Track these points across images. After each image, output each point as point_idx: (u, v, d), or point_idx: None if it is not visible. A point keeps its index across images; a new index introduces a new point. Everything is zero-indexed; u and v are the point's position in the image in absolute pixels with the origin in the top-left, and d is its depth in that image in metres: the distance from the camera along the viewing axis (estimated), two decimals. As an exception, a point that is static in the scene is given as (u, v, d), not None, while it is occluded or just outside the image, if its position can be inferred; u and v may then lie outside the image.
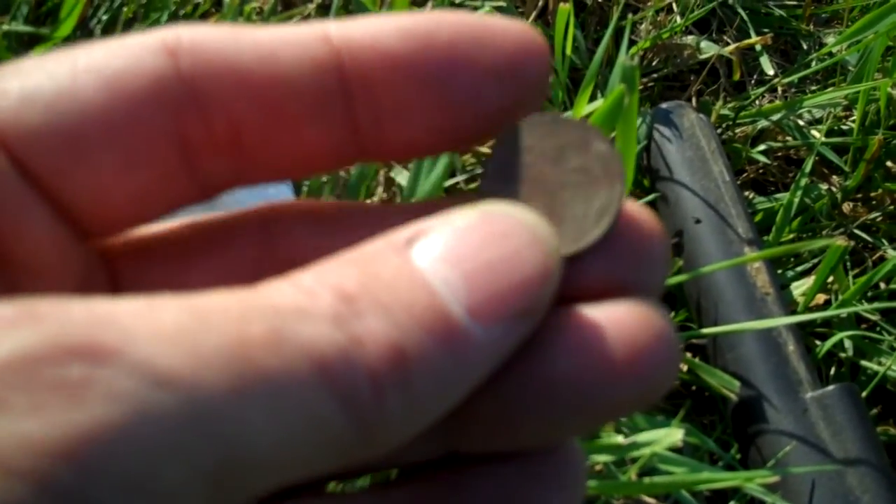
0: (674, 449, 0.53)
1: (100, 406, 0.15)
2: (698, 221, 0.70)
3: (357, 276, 0.20)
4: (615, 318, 0.22)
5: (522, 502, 0.24)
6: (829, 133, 0.82)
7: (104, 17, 0.70)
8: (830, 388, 0.61)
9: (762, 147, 0.82)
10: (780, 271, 0.74)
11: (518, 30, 0.23)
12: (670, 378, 0.22)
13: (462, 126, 0.24)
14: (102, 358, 0.16)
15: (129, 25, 0.71)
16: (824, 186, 0.81)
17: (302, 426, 0.17)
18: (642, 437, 0.51)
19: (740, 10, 0.89)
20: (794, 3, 0.94)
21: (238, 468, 0.17)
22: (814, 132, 0.83)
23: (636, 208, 0.24)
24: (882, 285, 0.75)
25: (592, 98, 0.72)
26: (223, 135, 0.23)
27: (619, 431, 0.55)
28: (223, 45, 0.23)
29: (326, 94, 0.23)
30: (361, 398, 0.18)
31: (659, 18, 0.87)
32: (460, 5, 0.80)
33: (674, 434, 0.51)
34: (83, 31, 0.70)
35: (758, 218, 0.77)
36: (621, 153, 0.59)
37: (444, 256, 0.20)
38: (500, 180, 0.24)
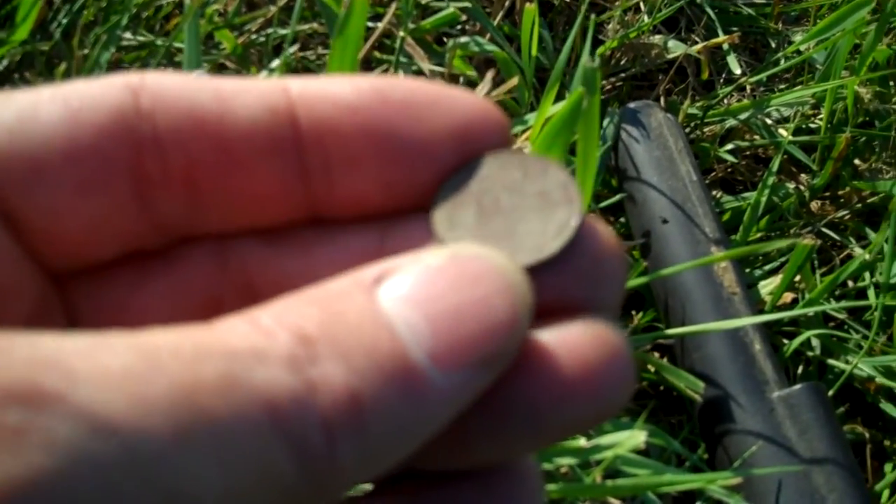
0: (640, 450, 0.52)
1: (36, 454, 0.15)
2: (665, 221, 0.70)
3: (318, 316, 0.19)
4: (569, 339, 0.22)
5: None
6: (796, 131, 0.83)
7: (64, 21, 0.69)
8: (797, 387, 0.61)
9: (730, 146, 0.82)
10: (747, 270, 0.74)
11: (474, 100, 0.24)
12: (624, 396, 0.22)
13: (414, 184, 0.24)
14: (42, 403, 0.15)
15: (89, 29, 0.70)
16: (792, 185, 0.81)
17: (251, 473, 0.17)
18: (606, 439, 0.50)
19: (708, 9, 0.89)
20: (763, 1, 0.94)
21: None
22: (781, 131, 0.83)
23: (595, 225, 0.23)
24: (850, 283, 0.75)
25: (559, 98, 0.72)
26: (178, 173, 0.23)
27: (582, 434, 0.55)
28: (184, 88, 0.23)
29: (279, 141, 0.23)
30: (313, 446, 0.18)
31: (626, 18, 0.87)
32: (425, 7, 0.79)
33: (637, 436, 0.50)
34: (43, 35, 0.70)
35: (725, 217, 0.77)
36: (588, 177, 0.59)
37: (410, 298, 0.20)
38: (455, 205, 0.24)
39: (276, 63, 0.74)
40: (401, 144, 0.23)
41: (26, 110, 0.22)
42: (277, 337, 0.18)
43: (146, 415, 0.16)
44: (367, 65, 0.77)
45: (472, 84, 0.76)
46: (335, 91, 0.23)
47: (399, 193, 0.24)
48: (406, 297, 0.20)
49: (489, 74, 0.71)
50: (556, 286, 0.23)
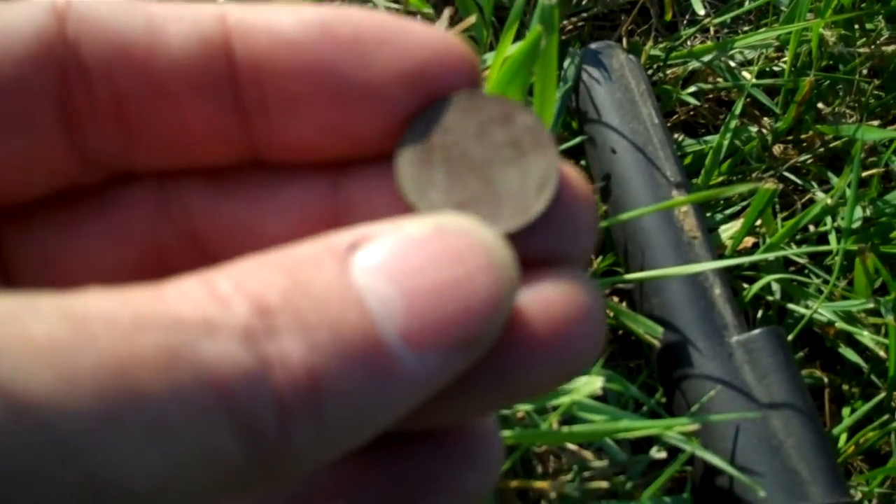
0: (596, 396, 0.52)
1: None
2: (613, 152, 0.69)
3: (281, 284, 0.17)
4: (539, 295, 0.20)
5: (436, 481, 0.22)
6: (760, 74, 0.81)
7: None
8: (756, 331, 0.60)
9: (692, 89, 0.80)
10: (708, 214, 0.73)
11: (436, 36, 0.21)
12: (594, 355, 0.21)
13: (359, 128, 0.22)
14: None
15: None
16: (755, 129, 0.80)
17: (190, 458, 0.16)
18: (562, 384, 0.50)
19: (672, -51, 0.88)
20: (728, -59, 0.92)
21: (109, 496, 0.15)
22: (745, 73, 0.82)
23: (567, 173, 0.22)
24: (811, 228, 0.74)
25: (518, 37, 0.70)
26: (107, 106, 0.21)
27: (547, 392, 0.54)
28: (113, 13, 0.21)
29: (213, 75, 0.21)
30: (263, 427, 0.16)
31: (590, -44, 0.85)
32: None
33: (594, 382, 0.49)
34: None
35: (687, 161, 0.76)
36: (544, 120, 0.58)
37: (386, 269, 0.18)
38: (422, 163, 0.22)
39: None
40: (347, 86, 0.21)
41: None
42: (233, 306, 0.17)
43: (71, 392, 0.15)
44: None
45: (428, 21, 0.73)
46: (276, 23, 0.21)
47: (349, 139, 0.22)
48: (381, 269, 0.18)
49: (446, 12, 0.69)
50: (530, 241, 0.21)
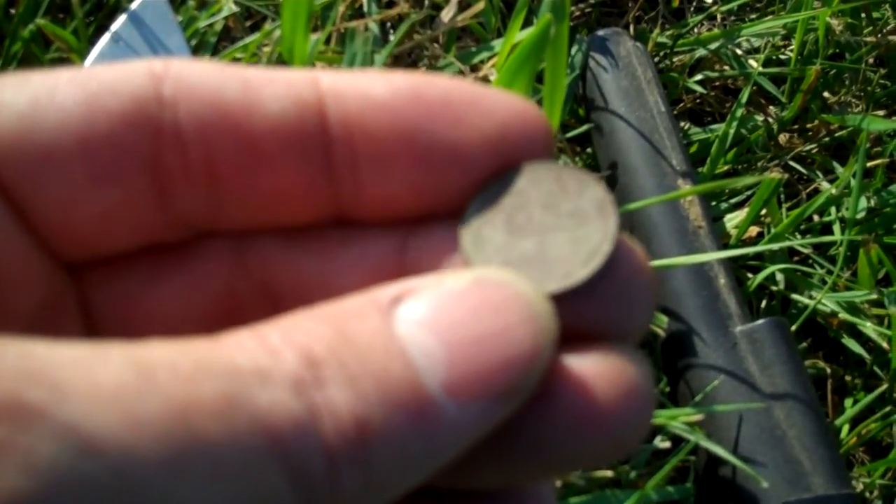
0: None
1: (15, 475, 0.14)
2: (614, 165, 0.69)
3: (327, 336, 0.18)
4: (587, 369, 0.20)
5: None
6: (766, 63, 0.81)
7: None
8: (760, 321, 0.60)
9: (699, 76, 0.80)
10: (713, 203, 0.73)
11: (516, 102, 0.22)
12: (641, 433, 0.21)
13: (444, 189, 0.22)
14: (26, 420, 0.14)
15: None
16: (760, 117, 0.80)
17: (244, 499, 0.16)
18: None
19: (681, -65, 0.87)
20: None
21: None
22: (751, 62, 0.82)
23: (628, 247, 0.22)
24: (815, 218, 0.74)
25: (527, 24, 0.70)
26: (199, 167, 0.22)
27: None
28: (209, 77, 0.22)
29: (307, 137, 0.22)
30: (314, 475, 0.17)
31: (597, -58, 0.85)
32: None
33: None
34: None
35: (693, 149, 0.76)
36: (555, 108, 0.58)
37: (428, 323, 0.19)
38: (486, 223, 0.22)
39: None
40: (434, 147, 0.22)
41: (42, 95, 0.21)
42: (283, 356, 0.17)
43: (136, 435, 0.15)
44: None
45: (437, 8, 0.73)
46: (367, 87, 0.22)
47: (429, 197, 0.23)
48: (423, 322, 0.19)
49: (455, -2, 0.69)
50: (580, 310, 0.21)
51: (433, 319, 0.19)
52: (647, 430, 0.21)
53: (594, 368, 0.20)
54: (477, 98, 0.22)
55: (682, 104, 0.80)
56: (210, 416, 0.16)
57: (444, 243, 0.23)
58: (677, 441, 0.57)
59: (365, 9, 0.73)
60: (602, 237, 0.22)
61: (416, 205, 0.23)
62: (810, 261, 0.72)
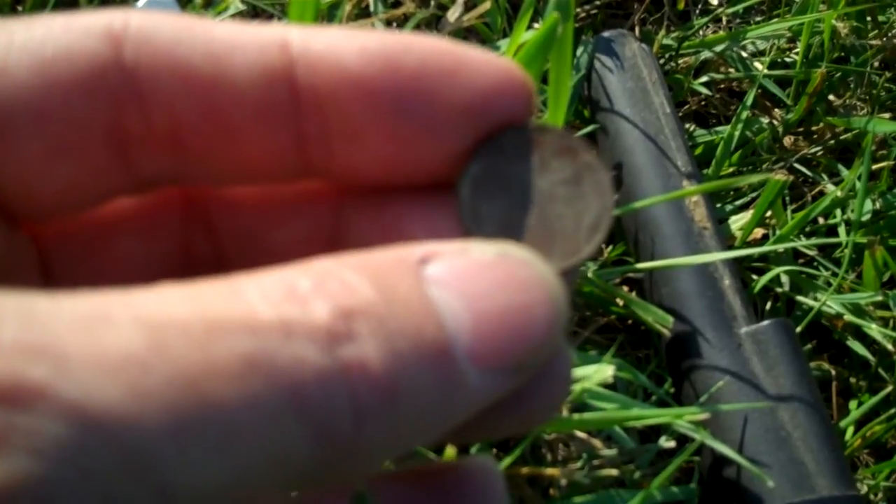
0: (607, 384, 0.52)
1: (18, 458, 0.14)
2: (619, 166, 0.69)
3: (365, 288, 0.18)
4: None
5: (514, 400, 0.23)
6: (772, 65, 0.81)
7: None
8: (764, 323, 0.60)
9: (704, 78, 0.80)
10: (718, 205, 0.73)
11: (497, 66, 0.22)
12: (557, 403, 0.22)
13: (417, 160, 0.22)
14: (26, 400, 0.14)
15: None
16: (766, 120, 0.79)
17: (258, 460, 0.16)
18: (573, 372, 0.50)
19: (686, -62, 0.87)
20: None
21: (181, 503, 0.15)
22: (757, 64, 0.82)
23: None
24: (820, 220, 0.74)
25: (531, 25, 0.70)
26: (162, 131, 0.21)
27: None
28: (172, 38, 0.21)
29: (273, 104, 0.21)
30: (337, 427, 0.17)
31: (603, -56, 0.85)
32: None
33: (605, 370, 0.50)
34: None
35: (698, 151, 0.76)
36: (559, 108, 0.57)
37: (458, 289, 0.19)
38: (482, 194, 0.22)
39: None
40: (409, 121, 0.21)
41: None
42: (314, 307, 0.17)
43: (144, 407, 0.15)
44: (336, -14, 0.75)
45: (443, 8, 0.73)
46: (340, 54, 0.21)
47: (405, 167, 0.22)
48: (453, 288, 0.19)
49: (461, -2, 0.69)
50: None
51: (462, 287, 0.19)
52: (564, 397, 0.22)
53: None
54: (455, 65, 0.21)
55: (687, 106, 0.80)
56: (223, 380, 0.16)
57: (373, 220, 0.23)
58: (682, 442, 0.57)
59: (371, 8, 0.73)
60: (601, 210, 0.22)
61: (391, 174, 0.23)
62: (815, 263, 0.72)
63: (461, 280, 0.19)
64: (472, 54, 0.21)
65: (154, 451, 0.15)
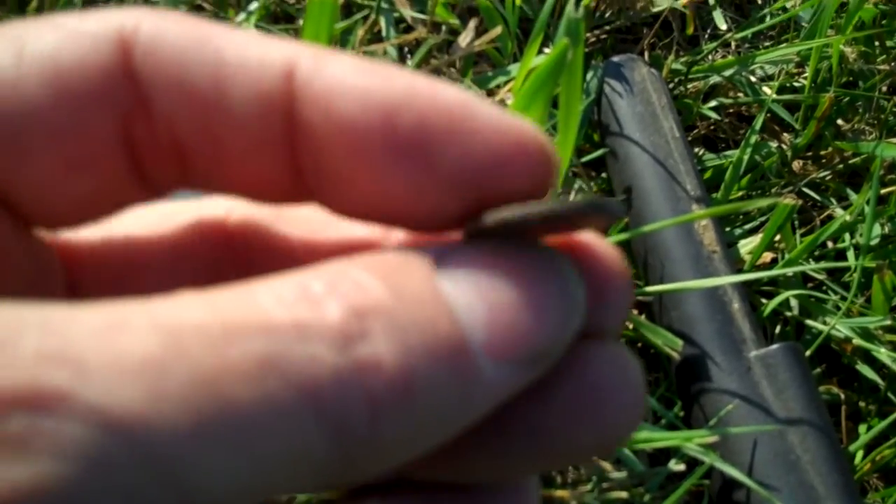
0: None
1: (42, 460, 0.14)
2: (628, 190, 0.69)
3: (377, 287, 0.18)
4: (582, 360, 0.21)
5: None
6: (780, 90, 0.82)
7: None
8: (774, 346, 0.61)
9: (713, 103, 0.81)
10: (727, 229, 0.73)
11: (506, 131, 0.20)
12: (636, 424, 0.21)
13: (412, 212, 0.21)
14: (48, 405, 0.14)
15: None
16: (774, 144, 0.80)
17: (276, 460, 0.16)
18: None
19: (695, -37, 0.88)
20: (750, -43, 0.92)
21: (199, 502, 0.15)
22: (765, 89, 0.82)
23: (602, 248, 0.22)
24: (829, 244, 0.74)
25: (542, 50, 0.70)
26: (167, 145, 0.21)
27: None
28: (181, 48, 0.20)
29: (268, 134, 0.21)
30: (355, 428, 0.17)
31: (613, -30, 0.85)
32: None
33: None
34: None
35: (707, 175, 0.77)
36: (569, 132, 0.58)
37: (472, 282, 0.19)
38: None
39: (254, 6, 0.72)
40: (401, 177, 0.20)
41: (7, 73, 0.20)
42: (327, 309, 0.17)
43: (162, 409, 0.15)
44: (348, 10, 0.76)
45: (455, 33, 0.74)
46: (340, 98, 0.20)
47: (397, 217, 0.22)
48: (468, 280, 0.19)
49: (472, 23, 0.69)
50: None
51: (475, 279, 0.19)
52: (639, 423, 0.21)
53: (591, 358, 0.21)
54: (458, 127, 0.20)
55: (696, 130, 0.81)
56: (240, 381, 0.16)
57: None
58: (691, 466, 0.57)
59: (383, 33, 0.74)
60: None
61: (388, 219, 0.22)
62: (824, 287, 0.72)
63: (474, 273, 0.19)
64: (481, 114, 0.20)
65: (173, 452, 0.15)
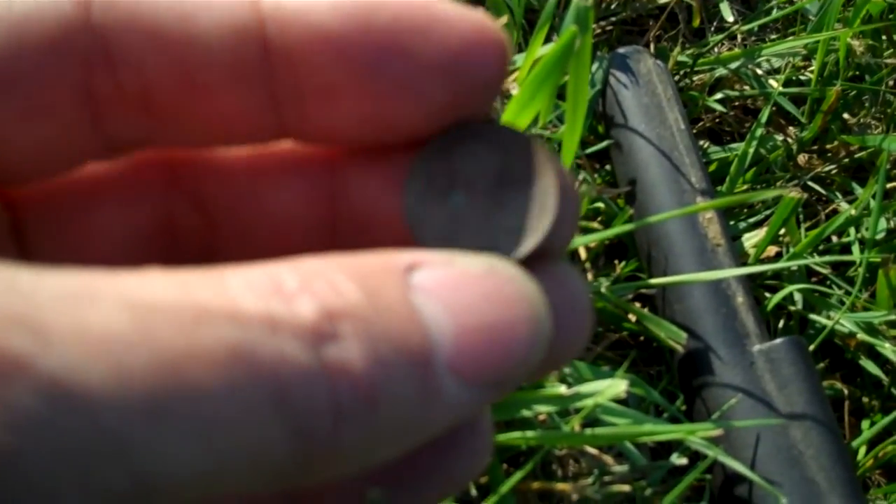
0: (619, 400, 0.52)
1: None
2: (633, 182, 0.69)
3: (351, 290, 0.18)
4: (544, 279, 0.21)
5: (420, 467, 0.23)
6: (787, 83, 0.81)
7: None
8: (777, 341, 0.60)
9: (719, 95, 0.80)
10: (732, 222, 0.73)
11: (471, 21, 0.21)
12: (583, 342, 0.22)
13: (392, 118, 0.22)
14: (7, 372, 0.14)
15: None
16: (780, 137, 0.79)
17: (236, 452, 0.16)
18: (586, 387, 0.50)
19: (702, -45, 0.88)
20: (757, -51, 0.92)
21: (153, 493, 0.15)
22: (772, 82, 0.82)
23: (560, 180, 0.22)
24: (834, 238, 0.74)
25: (548, 40, 0.70)
26: (132, 92, 0.21)
27: (562, 381, 0.54)
28: (142, 3, 0.21)
29: (245, 64, 0.21)
30: (316, 428, 0.17)
31: (619, -40, 0.85)
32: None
33: (617, 385, 0.49)
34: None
35: (712, 168, 0.76)
36: (577, 120, 0.58)
37: (443, 299, 0.19)
38: (430, 191, 0.22)
39: None
40: (382, 79, 0.21)
41: None
42: (299, 305, 0.17)
43: (123, 388, 0.15)
44: None
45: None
46: (312, 11, 0.21)
47: (379, 127, 0.22)
48: (439, 298, 0.19)
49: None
50: None
51: (447, 298, 0.19)
52: (586, 341, 0.22)
53: (541, 278, 0.21)
54: (427, 22, 0.21)
55: (701, 123, 0.80)
56: (206, 367, 0.15)
57: (373, 178, 0.23)
58: (694, 460, 0.57)
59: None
60: (544, 194, 0.22)
61: (366, 134, 0.23)
62: (829, 281, 0.72)
63: (447, 291, 0.19)
64: (445, 10, 0.21)
65: (131, 433, 0.15)
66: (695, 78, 0.81)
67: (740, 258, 0.69)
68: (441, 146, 0.22)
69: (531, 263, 0.21)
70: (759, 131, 0.74)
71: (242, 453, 0.16)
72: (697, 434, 0.50)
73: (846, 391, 0.68)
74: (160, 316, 0.16)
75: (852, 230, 0.73)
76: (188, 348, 0.15)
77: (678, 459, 0.56)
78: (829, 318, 0.68)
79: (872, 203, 0.68)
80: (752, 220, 0.73)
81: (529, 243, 0.22)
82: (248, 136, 0.23)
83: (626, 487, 0.52)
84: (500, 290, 0.19)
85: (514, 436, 0.48)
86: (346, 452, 0.17)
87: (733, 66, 0.80)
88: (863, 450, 0.64)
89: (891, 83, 0.83)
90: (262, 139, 0.23)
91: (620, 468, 0.54)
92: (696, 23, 0.84)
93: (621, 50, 0.76)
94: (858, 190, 0.77)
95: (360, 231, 0.24)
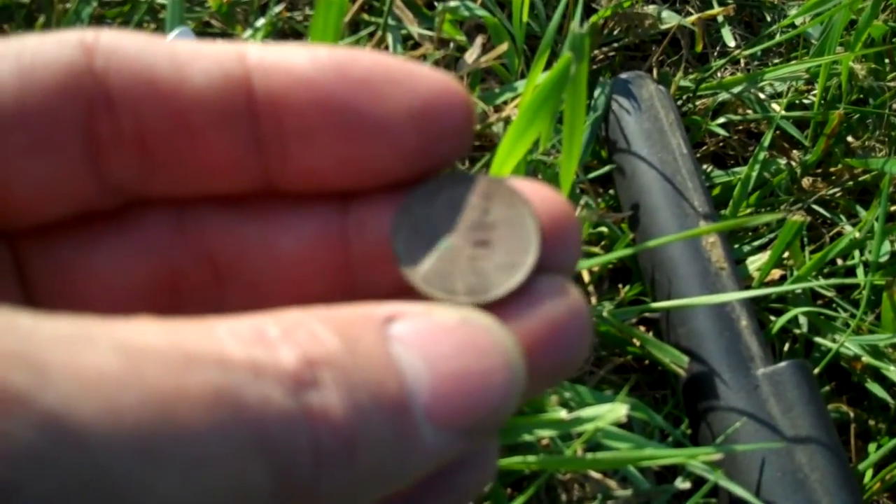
0: (622, 424, 0.52)
1: None
2: (636, 206, 0.69)
3: (331, 340, 0.19)
4: (532, 294, 0.22)
5: (428, 479, 0.23)
6: (789, 107, 0.81)
7: None
8: (782, 364, 0.60)
9: (722, 120, 0.81)
10: (735, 246, 0.73)
11: (439, 77, 0.23)
12: (582, 354, 0.22)
13: (370, 161, 0.23)
14: (7, 406, 0.14)
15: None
16: (783, 161, 0.80)
17: (221, 491, 0.16)
18: (587, 412, 0.50)
19: (704, -19, 0.88)
20: (759, -26, 0.92)
21: None
22: (774, 105, 0.82)
23: (548, 194, 0.24)
24: (838, 261, 0.74)
25: (549, 66, 0.70)
26: (130, 136, 0.23)
27: (564, 405, 0.54)
28: (139, 49, 0.23)
29: (233, 109, 0.23)
30: (298, 472, 0.17)
31: (621, -13, 0.85)
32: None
33: (618, 409, 0.49)
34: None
35: (715, 192, 0.76)
36: (573, 148, 0.58)
37: (420, 349, 0.20)
38: (420, 232, 0.24)
39: (261, 22, 0.72)
40: (357, 121, 0.23)
41: None
42: (282, 354, 0.18)
43: (115, 423, 0.15)
44: (355, 27, 0.76)
45: (461, 49, 0.74)
46: (292, 62, 0.23)
47: (357, 170, 0.24)
48: (415, 346, 0.20)
49: (479, 40, 0.69)
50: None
51: (424, 347, 0.20)
52: (586, 354, 0.23)
53: (545, 291, 0.22)
54: (398, 73, 0.23)
55: (704, 147, 0.81)
56: (195, 408, 0.16)
57: (385, 213, 0.24)
58: (698, 484, 0.57)
59: (390, 49, 0.74)
60: (520, 251, 0.23)
61: (346, 176, 0.24)
62: (833, 304, 0.72)
63: (423, 341, 0.20)
64: (414, 67, 0.23)
65: (122, 471, 0.15)
66: (697, 102, 0.81)
67: (744, 281, 0.69)
68: (422, 195, 0.24)
69: (529, 285, 0.22)
70: (763, 155, 0.74)
71: (229, 492, 0.16)
72: (699, 458, 0.50)
73: (852, 414, 0.67)
74: (151, 358, 0.16)
75: (856, 253, 0.73)
76: (177, 389, 0.16)
77: (682, 484, 0.55)
78: (834, 341, 0.68)
79: (876, 226, 0.68)
80: (755, 243, 0.73)
81: (518, 277, 0.22)
82: (236, 179, 0.24)
83: (628, 512, 0.52)
84: (475, 341, 0.20)
85: (515, 460, 0.47)
86: (327, 494, 0.18)
87: (736, 90, 0.81)
88: (869, 473, 0.63)
89: (894, 106, 0.83)
90: (249, 183, 0.24)
91: (624, 492, 0.54)
92: (699, 48, 0.85)
93: (623, 75, 0.76)
94: (862, 213, 0.77)
95: (376, 266, 0.25)
